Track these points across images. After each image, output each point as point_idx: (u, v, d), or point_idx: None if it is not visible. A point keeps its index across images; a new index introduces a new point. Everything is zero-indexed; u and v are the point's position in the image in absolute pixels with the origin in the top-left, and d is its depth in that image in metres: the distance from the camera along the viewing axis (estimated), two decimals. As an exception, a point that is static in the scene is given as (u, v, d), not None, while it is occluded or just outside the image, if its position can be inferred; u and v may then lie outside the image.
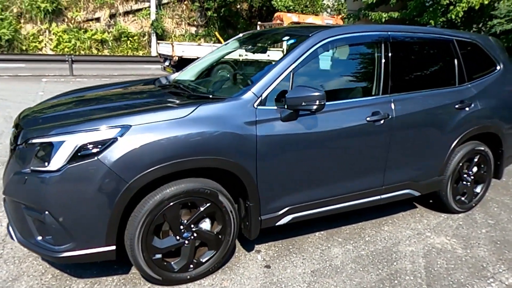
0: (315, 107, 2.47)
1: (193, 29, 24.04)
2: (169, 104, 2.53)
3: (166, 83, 3.37)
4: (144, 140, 2.19)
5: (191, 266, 2.50)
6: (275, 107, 2.56)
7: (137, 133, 2.18)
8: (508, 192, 4.31)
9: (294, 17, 13.96)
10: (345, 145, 2.83)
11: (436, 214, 3.68)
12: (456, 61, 3.42)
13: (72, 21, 21.11)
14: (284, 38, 3.19)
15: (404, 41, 3.21)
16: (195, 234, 2.48)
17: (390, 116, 2.95)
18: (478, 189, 3.78)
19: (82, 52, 20.71)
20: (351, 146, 2.86)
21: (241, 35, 3.82)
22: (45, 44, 20.70)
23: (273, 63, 2.69)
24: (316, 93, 2.45)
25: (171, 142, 2.24)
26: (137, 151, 2.17)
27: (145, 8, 22.41)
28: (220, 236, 2.56)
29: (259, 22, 16.67)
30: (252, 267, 2.73)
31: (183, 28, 23.81)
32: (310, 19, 14.47)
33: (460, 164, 3.50)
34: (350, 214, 3.49)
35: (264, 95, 2.55)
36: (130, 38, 21.73)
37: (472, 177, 3.67)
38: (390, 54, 3.04)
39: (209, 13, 22.59)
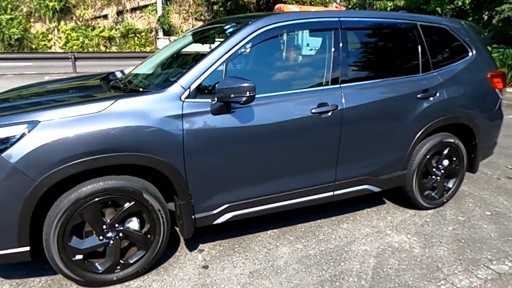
0: (244, 99, 2.32)
1: (200, 24, 23.96)
2: (89, 99, 2.42)
3: (121, 77, 3.26)
4: (54, 136, 2.09)
5: (118, 267, 2.40)
6: (205, 100, 2.42)
7: (45, 129, 2.09)
8: (490, 186, 4.07)
9: (295, 9, 13.66)
10: (287, 139, 2.67)
11: (404, 211, 3.49)
12: (419, 47, 3.20)
13: (80, 19, 21.32)
14: (227, 27, 3.03)
15: (357, 27, 3.01)
16: (120, 234, 2.37)
17: (339, 108, 2.77)
18: (450, 184, 3.56)
19: (91, 49, 20.94)
20: (295, 140, 2.70)
21: (198, 26, 3.68)
22: (54, 42, 20.99)
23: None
24: (245, 84, 2.30)
25: (84, 138, 2.13)
26: (46, 148, 2.07)
27: (152, 4, 22.44)
28: (149, 236, 2.45)
29: None
30: (188, 268, 2.61)
31: (190, 23, 23.76)
32: (313, 10, 14.15)
33: (427, 157, 3.29)
34: (309, 211, 3.35)
35: (192, 88, 2.41)
36: (137, 35, 21.83)
37: (442, 171, 3.45)
38: (340, 41, 2.85)
39: (215, 7, 22.46)
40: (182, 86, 2.39)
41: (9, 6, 19.52)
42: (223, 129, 2.45)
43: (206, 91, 2.47)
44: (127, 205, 2.33)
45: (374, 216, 3.39)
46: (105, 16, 22.24)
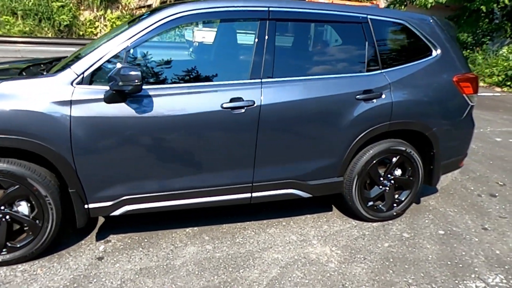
0: (130, 87, 2.22)
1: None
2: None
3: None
4: None
5: (4, 250, 2.41)
6: (101, 88, 2.35)
7: None
8: (463, 203, 3.66)
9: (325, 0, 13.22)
10: (192, 134, 2.53)
11: (347, 221, 3.22)
12: (366, 43, 2.91)
13: (126, 8, 22.08)
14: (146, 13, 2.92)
15: (291, 18, 2.78)
16: (7, 217, 2.37)
17: (255, 104, 2.58)
18: (403, 196, 3.23)
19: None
20: (202, 136, 2.55)
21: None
22: (100, 30, 21.95)
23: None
24: (132, 73, 2.20)
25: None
26: None
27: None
28: (37, 221, 2.42)
29: None
30: (83, 257, 2.57)
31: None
32: (346, 5, 13.60)
33: (371, 165, 3.00)
34: (242, 211, 3.19)
35: (86, 74, 2.35)
36: (178, 25, 22.19)
37: (392, 182, 3.14)
38: (267, 33, 2.66)
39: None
40: (75, 72, 2.33)
41: (61, -6, 20.61)
42: (117, 119, 2.37)
43: (103, 79, 2.38)
44: (11, 188, 2.32)
45: (310, 223, 3.16)
46: (149, 6, 22.85)
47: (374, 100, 2.86)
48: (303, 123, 2.74)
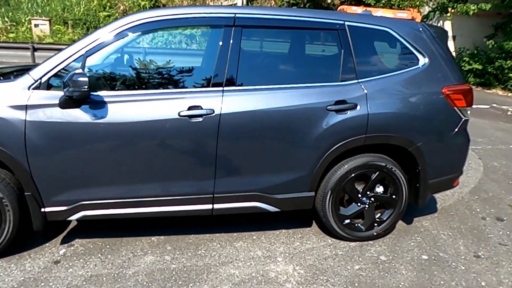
0: (77, 93, 2.23)
1: (279, 25, 23.98)
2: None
3: None
4: None
5: (-36, 247, 2.49)
6: (56, 93, 2.38)
7: None
8: (462, 225, 3.36)
9: (359, 10, 12.87)
10: (148, 142, 2.49)
11: (323, 239, 3.04)
12: (342, 51, 2.74)
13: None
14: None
15: (259, 25, 2.68)
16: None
17: (215, 113, 2.50)
18: (385, 216, 3.00)
19: (173, 46, 22.37)
20: (158, 144, 2.51)
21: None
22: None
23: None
24: (80, 79, 2.21)
25: None
26: None
27: (234, 3, 23.11)
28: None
29: None
30: (41, 260, 2.60)
31: (269, 24, 23.91)
32: (380, 13, 13.16)
33: (346, 180, 2.81)
34: (214, 222, 3.12)
35: (44, 79, 2.39)
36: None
37: (372, 199, 2.93)
38: (232, 40, 2.58)
39: (293, 8, 22.29)
40: (32, 77, 2.38)
41: (108, 4, 21.73)
42: (71, 124, 2.39)
43: (60, 85, 2.41)
44: (-32, 188, 2.39)
45: (282, 238, 3.01)
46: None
47: (348, 112, 2.68)
48: (267, 134, 2.62)
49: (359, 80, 2.74)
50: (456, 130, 2.93)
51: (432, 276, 2.63)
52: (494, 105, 9.75)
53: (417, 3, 20.88)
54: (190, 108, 2.48)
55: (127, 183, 2.55)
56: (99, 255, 2.70)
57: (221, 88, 2.55)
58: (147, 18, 2.51)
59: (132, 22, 2.48)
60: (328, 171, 2.81)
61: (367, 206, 2.93)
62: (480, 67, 12.60)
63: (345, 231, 2.93)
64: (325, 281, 2.53)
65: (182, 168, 2.58)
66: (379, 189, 2.95)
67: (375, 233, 2.99)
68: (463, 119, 2.93)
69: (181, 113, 2.47)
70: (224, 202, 2.70)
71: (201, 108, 2.49)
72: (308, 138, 2.65)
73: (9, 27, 18.27)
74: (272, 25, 2.71)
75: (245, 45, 2.62)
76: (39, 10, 19.32)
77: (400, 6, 19.71)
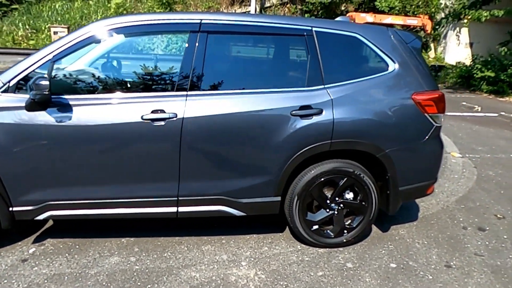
0: (38, 96, 2.31)
1: (292, 32, 24.02)
2: None
3: None
4: None
5: None
6: (23, 96, 2.47)
7: None
8: (440, 235, 3.29)
9: (368, 17, 12.84)
10: (112, 144, 2.55)
11: (293, 244, 3.03)
12: (309, 57, 2.75)
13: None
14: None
15: (225, 30, 2.72)
16: None
17: (178, 117, 2.55)
18: (355, 223, 2.97)
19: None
20: (122, 146, 2.56)
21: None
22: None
23: (38, 51, 2.58)
24: (41, 82, 2.29)
25: None
26: None
27: (247, 11, 23.31)
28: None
29: None
30: (10, 258, 2.68)
31: (282, 31, 23.96)
32: (389, 19, 13.13)
33: (313, 186, 2.80)
34: (191, 224, 3.15)
35: (12, 83, 2.48)
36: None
37: (341, 206, 2.91)
38: (197, 45, 2.63)
39: (306, 15, 22.32)
40: (1, 81, 2.47)
41: (124, 11, 22.22)
42: (36, 126, 2.46)
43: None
44: None
45: (251, 243, 3.02)
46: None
47: (313, 117, 2.68)
48: (231, 138, 2.64)
49: (326, 86, 2.74)
50: (427, 137, 2.88)
51: (396, 285, 2.58)
52: (503, 113, 9.51)
53: (432, 9, 20.64)
54: (153, 112, 2.53)
55: (92, 185, 2.61)
56: (67, 254, 2.76)
57: (185, 93, 2.59)
58: (114, 24, 2.58)
59: (97, 28, 2.55)
60: (296, 176, 2.81)
61: (336, 212, 2.91)
62: (492, 74, 12.33)
63: (313, 237, 2.92)
64: (284, 286, 2.52)
65: (146, 171, 2.63)
66: (349, 195, 2.92)
67: (344, 240, 2.96)
68: (435, 126, 2.89)
69: (144, 117, 2.52)
70: (188, 205, 2.72)
71: (164, 112, 2.54)
72: (273, 143, 2.66)
73: (29, 34, 18.88)
74: (238, 31, 2.74)
75: (210, 50, 2.66)
76: (59, 18, 19.93)
77: (416, 13, 19.51)
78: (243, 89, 2.68)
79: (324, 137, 2.70)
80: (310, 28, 2.78)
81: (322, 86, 2.74)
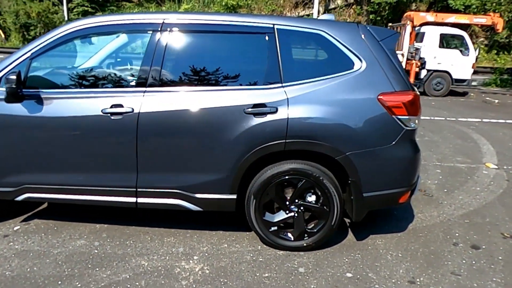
0: (8, 89, 2.60)
1: (357, 34, 23.34)
2: None
3: None
4: None
5: None
6: (3, 89, 2.78)
7: None
8: (420, 249, 3.04)
9: (429, 17, 12.00)
10: (76, 135, 2.77)
11: (255, 244, 3.00)
12: (267, 55, 2.73)
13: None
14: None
15: (186, 29, 2.80)
16: None
17: (134, 111, 2.69)
18: (317, 227, 2.87)
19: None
20: (85, 137, 2.77)
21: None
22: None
23: (21, 49, 2.89)
24: (10, 77, 2.57)
25: None
26: None
27: (311, 14, 23.12)
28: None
29: (389, 24, 15.02)
30: (-6, 234, 3.02)
31: (346, 33, 23.39)
32: (452, 18, 12.15)
33: (269, 186, 2.77)
34: (161, 216, 3.29)
35: (-3, 77, 2.81)
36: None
37: (301, 209, 2.83)
38: (157, 43, 2.75)
39: (371, 16, 21.56)
40: (-18, 76, 2.81)
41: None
42: (13, 117, 2.76)
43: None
44: None
45: (214, 239, 3.05)
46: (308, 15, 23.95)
47: (267, 116, 2.65)
48: (185, 134, 2.71)
49: (284, 85, 2.69)
50: (396, 141, 2.68)
51: (340, 295, 2.45)
52: None
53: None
54: (112, 106, 2.69)
55: (60, 171, 2.84)
56: (42, 234, 3.04)
57: (144, 89, 2.72)
58: (85, 24, 2.80)
59: (72, 28, 2.79)
60: (254, 175, 2.79)
61: (296, 215, 2.83)
62: None
63: (271, 238, 2.87)
64: (223, 283, 2.52)
65: (107, 162, 2.80)
66: (311, 198, 2.83)
67: (305, 244, 2.87)
68: (405, 130, 2.68)
69: (104, 110, 2.69)
70: (147, 196, 2.84)
71: (122, 107, 2.69)
72: (226, 139, 2.68)
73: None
74: (199, 30, 2.81)
75: (171, 48, 2.76)
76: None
77: (497, 11, 17.81)
78: (200, 86, 2.74)
79: (277, 136, 2.65)
80: (271, 25, 2.75)
81: (280, 85, 2.69)
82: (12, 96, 2.68)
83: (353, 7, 23.50)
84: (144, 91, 2.71)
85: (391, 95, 2.64)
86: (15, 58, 2.79)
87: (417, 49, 11.60)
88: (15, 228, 3.10)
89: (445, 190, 4.30)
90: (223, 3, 22.04)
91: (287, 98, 2.65)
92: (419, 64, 11.77)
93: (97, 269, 2.62)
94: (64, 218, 3.28)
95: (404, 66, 12.12)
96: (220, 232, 3.17)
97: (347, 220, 3.47)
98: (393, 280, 2.62)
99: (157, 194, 2.83)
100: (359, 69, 2.69)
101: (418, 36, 12.23)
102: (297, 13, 23.85)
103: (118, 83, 2.87)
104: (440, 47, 11.92)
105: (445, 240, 3.18)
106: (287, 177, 2.75)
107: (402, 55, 11.76)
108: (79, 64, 3.17)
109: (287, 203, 2.83)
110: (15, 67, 2.78)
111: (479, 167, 5.15)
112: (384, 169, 2.74)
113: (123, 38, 3.03)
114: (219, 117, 2.67)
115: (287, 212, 2.84)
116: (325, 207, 2.80)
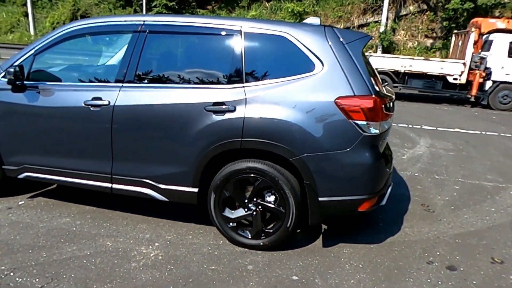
0: (9, 80, 3.02)
1: (429, 42, 22.13)
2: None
3: None
4: None
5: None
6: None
7: None
8: (386, 263, 2.91)
9: (499, 23, 10.98)
10: (63, 123, 3.11)
11: (220, 238, 3.10)
12: (233, 56, 2.83)
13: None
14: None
15: (162, 30, 3.00)
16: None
17: (110, 104, 2.97)
18: (274, 228, 2.90)
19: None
20: (70, 126, 3.09)
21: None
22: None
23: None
24: (10, 69, 2.99)
25: None
26: None
27: (379, 20, 22.37)
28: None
29: (455, 31, 13.91)
30: (3, 204, 3.48)
31: (417, 40, 22.30)
32: (500, 23, 10.99)
33: (227, 183, 2.87)
34: (146, 205, 3.52)
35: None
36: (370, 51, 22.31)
37: (259, 208, 2.89)
38: (136, 43, 3.00)
39: (445, 23, 20.26)
40: (1, 69, 3.28)
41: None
42: (17, 105, 3.19)
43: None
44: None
45: (183, 230, 3.20)
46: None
47: (225, 114, 2.75)
48: (151, 127, 2.91)
49: (245, 85, 2.76)
50: (353, 146, 2.62)
51: (274, 295, 2.46)
52: None
53: None
54: (93, 99, 2.99)
55: (51, 155, 3.21)
56: (39, 210, 3.44)
57: (121, 84, 2.98)
58: (78, 25, 3.14)
59: (67, 29, 3.15)
60: (217, 171, 2.90)
61: (254, 213, 2.88)
62: None
63: (229, 233, 2.95)
64: (168, 269, 2.66)
65: (88, 148, 3.10)
66: (270, 198, 2.86)
67: (261, 243, 2.90)
68: (363, 135, 2.61)
69: (86, 102, 3.00)
70: (120, 183, 3.09)
71: (101, 100, 2.97)
72: (187, 135, 2.83)
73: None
74: (173, 31, 2.99)
75: (147, 48, 2.98)
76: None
77: None
78: (168, 83, 2.92)
79: (234, 134, 2.73)
80: (239, 28, 2.84)
81: (242, 85, 2.77)
82: (13, 86, 3.09)
83: (426, 13, 22.30)
84: (121, 87, 2.96)
85: (349, 99, 2.59)
86: (23, 54, 3.22)
87: (483, 58, 10.69)
88: (20, 203, 3.54)
89: (452, 208, 3.99)
90: (289, 10, 22.22)
91: (245, 98, 2.72)
92: (483, 74, 10.83)
93: (67, 244, 2.91)
94: (64, 198, 3.66)
95: (466, 77, 11.24)
96: (192, 224, 3.31)
97: (324, 226, 3.42)
98: (333, 288, 2.55)
99: (129, 182, 3.06)
100: (320, 71, 2.67)
101: (486, 45, 11.25)
102: (365, 20, 23.24)
103: (101, 78, 3.17)
104: (509, 56, 10.84)
105: (420, 258, 2.99)
106: (244, 175, 2.81)
107: (464, 64, 10.92)
108: (70, 59, 3.54)
109: (246, 201, 2.88)
110: (22, 62, 3.20)
111: (509, 188, 4.67)
112: (340, 174, 2.68)
113: (117, 37, 3.33)
114: (182, 113, 2.83)
115: (246, 210, 2.90)
116: (281, 208, 2.80)
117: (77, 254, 2.78)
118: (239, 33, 2.82)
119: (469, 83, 11.31)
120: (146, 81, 2.97)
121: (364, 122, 2.59)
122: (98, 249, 2.86)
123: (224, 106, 2.74)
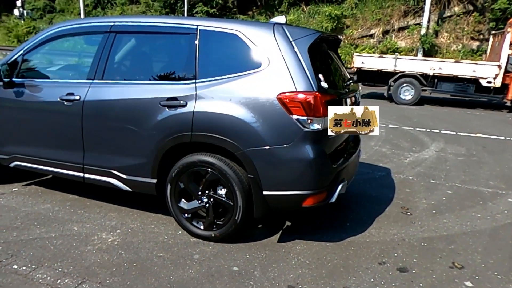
0: (-2, 77, 3.37)
1: (475, 44, 21.02)
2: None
3: None
4: None
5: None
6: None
7: None
8: (338, 260, 2.90)
9: (540, 24, 10.26)
10: (43, 117, 3.40)
11: (181, 229, 3.25)
12: (188, 53, 2.97)
13: (348, 38, 23.28)
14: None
15: (127, 31, 3.20)
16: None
17: (80, 99, 3.22)
18: (224, 220, 2.99)
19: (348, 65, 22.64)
20: (47, 119, 3.38)
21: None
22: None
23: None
24: (1, 67, 3.34)
25: None
26: None
27: (420, 22, 21.60)
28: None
29: (492, 32, 13.05)
30: (-1, 190, 3.86)
31: (462, 43, 21.26)
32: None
33: (181, 175, 3.01)
34: (133, 198, 3.68)
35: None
36: (395, 53, 21.69)
37: (211, 200, 2.99)
38: (106, 43, 3.22)
39: (491, 24, 19.16)
40: (-4, 66, 3.65)
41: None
42: (6, 100, 3.54)
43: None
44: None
45: (148, 220, 3.36)
46: (371, 35, 23.30)
47: (178, 109, 2.89)
48: (113, 120, 3.12)
49: (197, 81, 2.89)
50: (295, 141, 2.65)
51: (208, 282, 2.54)
52: None
53: None
54: (67, 94, 3.25)
55: (34, 146, 3.51)
56: (28, 196, 3.76)
57: (91, 81, 3.22)
58: (59, 27, 3.43)
59: (50, 30, 3.45)
60: (172, 163, 3.04)
61: (206, 205, 2.99)
62: None
63: (184, 224, 3.08)
64: (118, 254, 2.83)
65: (63, 140, 3.36)
66: (221, 191, 2.96)
67: (213, 235, 3.00)
68: (304, 131, 2.63)
69: (61, 97, 3.27)
70: (91, 173, 3.32)
71: (74, 95, 3.23)
72: (145, 129, 3.00)
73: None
74: (138, 31, 3.19)
75: (116, 47, 3.20)
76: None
77: None
78: (130, 80, 3.11)
79: (185, 128, 2.86)
80: (195, 26, 2.97)
81: (194, 81, 2.89)
82: (4, 83, 3.43)
83: (472, 14, 21.22)
84: (91, 83, 3.19)
85: (289, 94, 2.63)
86: (14, 53, 3.56)
87: (520, 60, 10.03)
88: (14, 189, 3.90)
89: (434, 212, 3.85)
90: (327, 14, 22.07)
91: (196, 93, 2.84)
92: (521, 77, 10.16)
93: (38, 226, 3.18)
94: (55, 187, 3.97)
95: (501, 80, 10.59)
96: (159, 215, 3.47)
97: (288, 223, 3.45)
98: (274, 282, 2.58)
99: (98, 172, 3.28)
100: (265, 68, 2.73)
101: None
102: (406, 22, 22.54)
103: (75, 75, 3.43)
104: (549, 58, 10.09)
105: (374, 258, 2.94)
106: (196, 168, 2.93)
107: (499, 66, 10.30)
108: (50, 58, 3.84)
109: (199, 193, 2.99)
110: (12, 60, 3.54)
111: (508, 194, 4.40)
112: (283, 169, 2.72)
113: (88, 37, 3.59)
114: (141, 108, 3.00)
115: (199, 202, 3.01)
116: (230, 201, 2.88)
117: (43, 236, 3.03)
118: (195, 32, 2.95)
119: (505, 86, 10.63)
120: (112, 78, 3.17)
121: (305, 117, 2.61)
122: (63, 233, 3.09)
123: (176, 101, 2.87)
